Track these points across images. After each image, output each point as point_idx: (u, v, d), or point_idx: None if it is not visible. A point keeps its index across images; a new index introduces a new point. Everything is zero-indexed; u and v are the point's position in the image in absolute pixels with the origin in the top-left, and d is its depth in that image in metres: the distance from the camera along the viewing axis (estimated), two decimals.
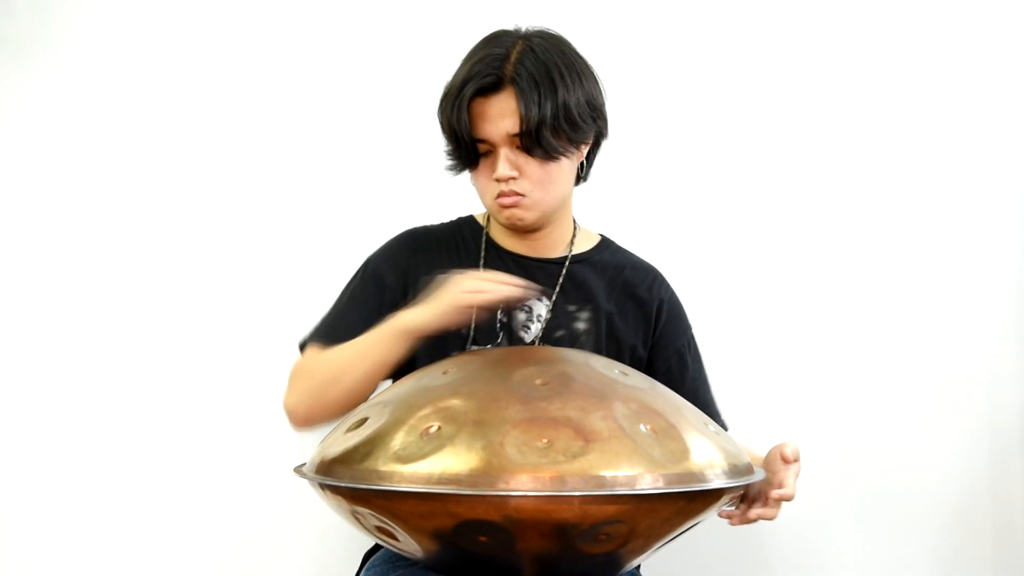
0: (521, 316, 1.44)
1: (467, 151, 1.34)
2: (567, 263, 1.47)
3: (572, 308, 1.45)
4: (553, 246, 1.48)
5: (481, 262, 1.46)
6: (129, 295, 1.89)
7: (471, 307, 1.28)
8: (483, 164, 1.36)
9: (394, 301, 1.42)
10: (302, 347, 1.44)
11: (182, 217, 1.90)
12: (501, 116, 1.31)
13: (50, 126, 1.91)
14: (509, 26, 1.38)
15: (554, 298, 1.45)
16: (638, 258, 1.55)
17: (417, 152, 1.77)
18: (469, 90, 1.31)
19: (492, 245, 1.48)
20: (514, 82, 1.31)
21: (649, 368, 1.49)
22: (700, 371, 1.54)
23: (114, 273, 1.90)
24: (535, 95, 1.30)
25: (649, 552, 1.12)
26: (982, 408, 1.84)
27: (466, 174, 1.40)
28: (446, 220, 1.54)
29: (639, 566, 1.39)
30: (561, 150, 1.34)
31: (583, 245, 1.51)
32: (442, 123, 1.36)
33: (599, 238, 1.54)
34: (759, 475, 1.20)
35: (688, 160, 1.89)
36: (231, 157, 1.90)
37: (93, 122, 1.91)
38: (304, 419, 1.36)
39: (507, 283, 1.28)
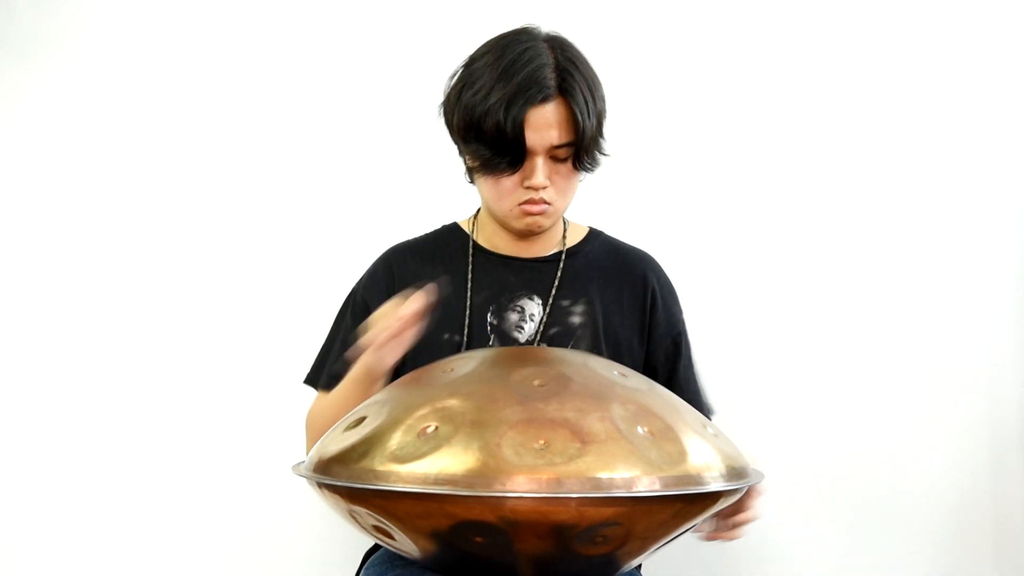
0: (513, 317, 1.43)
1: (513, 157, 1.32)
2: (562, 259, 1.47)
3: (566, 303, 1.45)
4: (545, 245, 1.48)
5: (470, 269, 1.46)
6: (130, 295, 1.90)
7: (390, 338, 1.21)
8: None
9: None
10: (311, 383, 1.46)
11: (183, 215, 1.91)
12: (548, 126, 1.31)
13: (51, 125, 1.92)
14: (514, 25, 1.37)
15: (551, 297, 1.44)
16: (629, 245, 1.54)
17: (416, 155, 1.78)
18: (523, 99, 1.29)
19: (479, 250, 1.48)
20: (566, 93, 1.31)
21: (647, 356, 1.48)
22: (691, 360, 1.53)
23: (115, 272, 1.90)
24: (586, 108, 1.31)
25: (646, 554, 1.12)
26: (981, 407, 1.84)
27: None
28: (428, 231, 1.53)
29: (640, 566, 1.39)
30: (597, 162, 1.37)
31: (573, 238, 1.51)
32: (480, 128, 1.31)
33: (587, 229, 1.54)
34: (757, 477, 1.20)
35: (686, 158, 1.89)
36: (231, 156, 1.91)
37: (94, 121, 1.91)
38: None
39: (402, 306, 1.20)
